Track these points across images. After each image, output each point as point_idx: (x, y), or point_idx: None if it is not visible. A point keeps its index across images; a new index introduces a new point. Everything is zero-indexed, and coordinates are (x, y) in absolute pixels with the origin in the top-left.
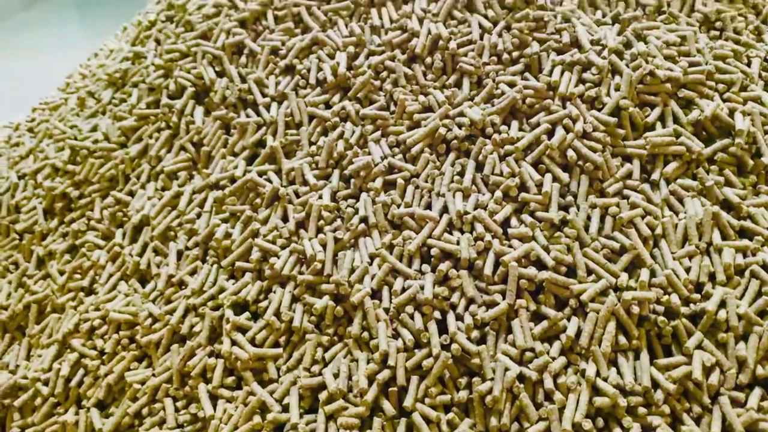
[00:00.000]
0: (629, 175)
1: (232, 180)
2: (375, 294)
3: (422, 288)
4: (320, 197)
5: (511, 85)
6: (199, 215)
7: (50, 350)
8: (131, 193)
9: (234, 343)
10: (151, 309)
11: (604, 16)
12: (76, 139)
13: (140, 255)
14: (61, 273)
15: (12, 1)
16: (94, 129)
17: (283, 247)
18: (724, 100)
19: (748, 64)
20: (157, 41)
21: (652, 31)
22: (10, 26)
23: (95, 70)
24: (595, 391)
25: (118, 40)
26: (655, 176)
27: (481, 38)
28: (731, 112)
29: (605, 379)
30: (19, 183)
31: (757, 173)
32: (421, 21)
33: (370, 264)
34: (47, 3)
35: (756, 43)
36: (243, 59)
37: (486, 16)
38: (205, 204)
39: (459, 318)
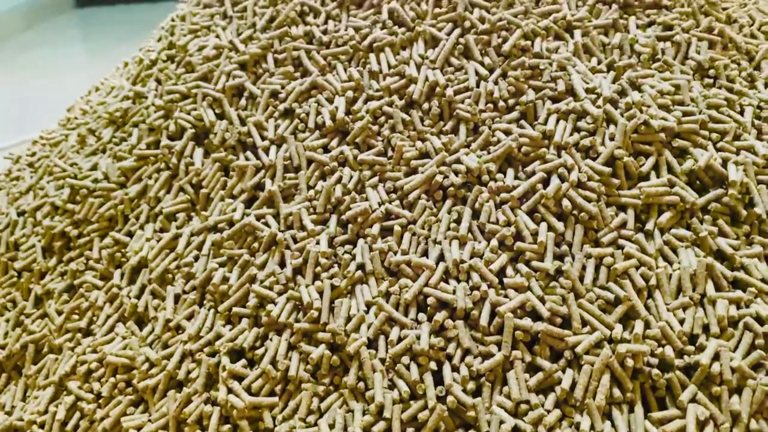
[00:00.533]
0: (624, 225)
1: (231, 223)
2: (371, 343)
3: (418, 338)
4: (317, 243)
5: (507, 132)
6: (196, 258)
7: (47, 392)
8: (130, 234)
9: (230, 391)
10: (148, 353)
11: (599, 63)
12: (76, 177)
13: (138, 297)
14: (59, 313)
15: (14, 21)
16: (94, 167)
17: (280, 294)
18: (718, 150)
19: (741, 113)
20: (158, 81)
21: (646, 80)
22: (12, 46)
23: (96, 107)
24: None
25: (120, 75)
26: (649, 226)
27: (478, 85)
28: (725, 162)
29: None
30: (19, 220)
31: (750, 223)
32: (418, 67)
33: (367, 312)
34: (49, 23)
35: (749, 91)
36: (243, 101)
37: (482, 63)
38: (203, 247)
39: (455, 369)
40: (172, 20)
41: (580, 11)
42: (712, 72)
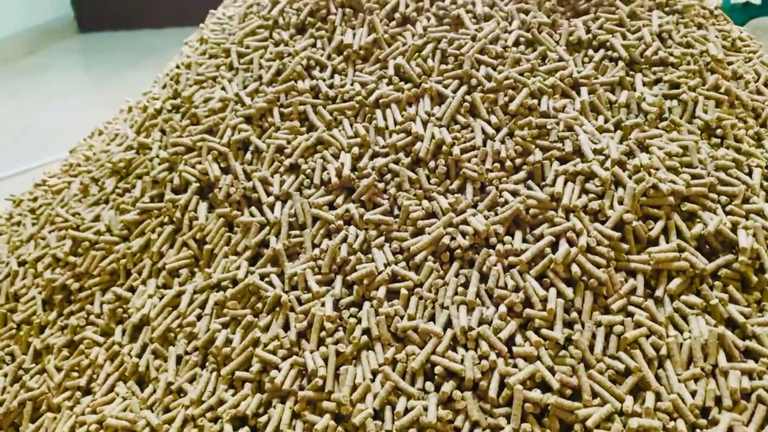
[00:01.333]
0: (633, 291)
1: (234, 281)
2: (377, 414)
3: (426, 410)
4: (323, 305)
5: (515, 193)
6: (199, 317)
7: None
8: (132, 289)
9: None
10: (149, 417)
11: (606, 121)
12: (78, 228)
13: (139, 356)
14: (58, 369)
15: (17, 46)
16: (97, 218)
17: (284, 359)
18: (727, 213)
19: (750, 174)
20: (163, 131)
21: (654, 140)
22: (14, 71)
23: (99, 155)
24: None
25: (123, 120)
26: (659, 293)
27: (484, 144)
28: (734, 227)
29: None
30: (19, 270)
31: (761, 289)
32: (425, 124)
33: (373, 381)
34: (52, 48)
35: (756, 151)
36: (248, 155)
37: (489, 122)
38: (206, 306)
39: None
40: (177, 67)
41: (586, 68)
42: (719, 131)
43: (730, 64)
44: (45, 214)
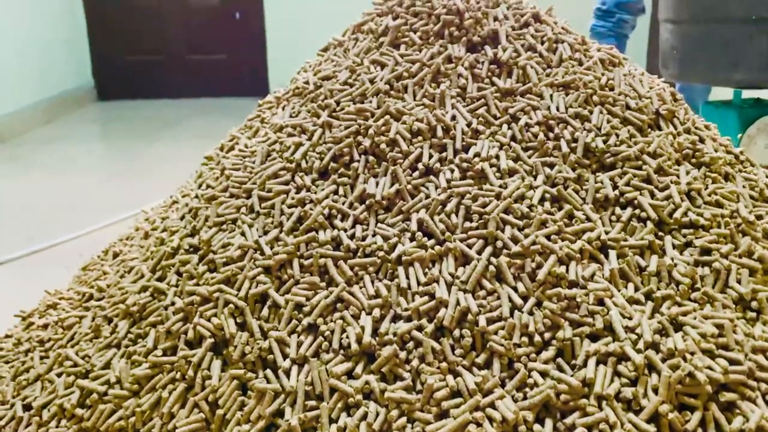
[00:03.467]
0: None
1: None
2: None
3: None
4: None
5: (544, 374)
6: None
7: None
8: None
9: None
10: None
11: (636, 289)
12: (87, 375)
13: None
14: None
15: (36, 116)
16: (108, 365)
17: None
18: None
19: None
20: (179, 274)
21: (687, 318)
22: (32, 141)
23: (113, 291)
24: None
25: (140, 247)
26: None
27: (511, 314)
28: None
29: None
30: (23, 416)
31: None
32: (449, 287)
33: None
34: (71, 116)
35: None
36: (265, 311)
37: (516, 289)
38: None
39: None
40: (197, 197)
41: (614, 229)
42: (754, 304)
43: (760, 218)
44: (55, 354)
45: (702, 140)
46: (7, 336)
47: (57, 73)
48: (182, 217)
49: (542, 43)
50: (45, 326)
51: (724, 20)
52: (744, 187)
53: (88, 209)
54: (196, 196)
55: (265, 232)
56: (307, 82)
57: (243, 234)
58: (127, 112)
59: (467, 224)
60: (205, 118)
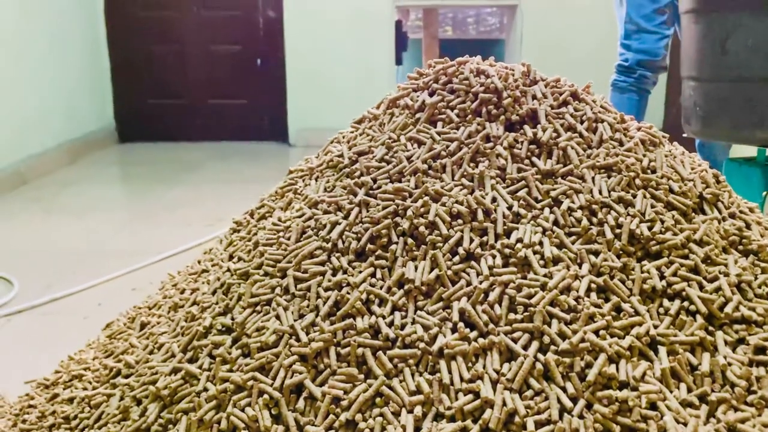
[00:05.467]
0: None
1: None
2: None
3: None
4: None
5: None
6: None
7: None
8: None
9: None
10: None
11: (689, 390)
12: None
13: None
14: None
15: (59, 157)
16: None
17: None
18: None
19: None
20: (211, 356)
21: (746, 425)
22: (54, 183)
23: (143, 369)
24: None
25: (167, 321)
26: None
27: (561, 417)
28: None
29: None
30: None
31: None
32: (494, 384)
33: None
34: (92, 158)
35: None
36: (301, 402)
37: (564, 389)
38: None
39: None
40: (228, 270)
41: (662, 323)
42: None
43: None
44: None
45: (748, 225)
46: (30, 406)
47: (80, 116)
48: (214, 292)
49: (582, 122)
50: (70, 400)
51: (747, 79)
52: None
53: (107, 256)
54: (228, 270)
55: (301, 316)
56: (341, 155)
57: (278, 317)
58: (147, 154)
59: (512, 316)
60: (224, 162)
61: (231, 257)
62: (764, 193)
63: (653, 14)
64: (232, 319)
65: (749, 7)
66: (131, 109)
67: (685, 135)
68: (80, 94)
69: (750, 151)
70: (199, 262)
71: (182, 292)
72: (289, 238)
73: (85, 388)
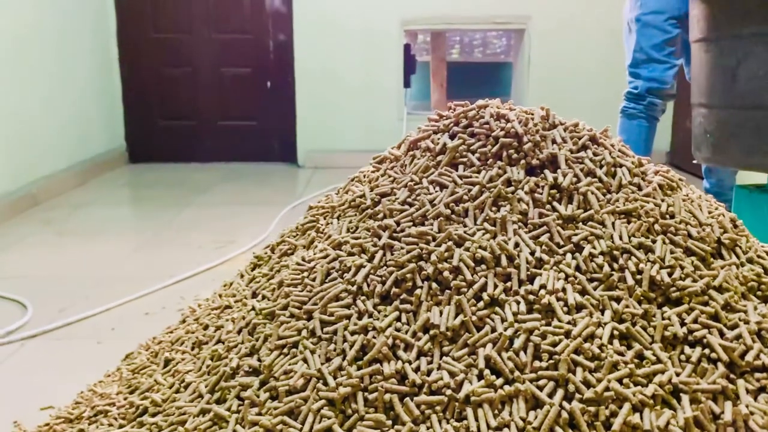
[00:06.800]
0: None
1: None
2: None
3: None
4: None
5: None
6: None
7: None
8: None
9: None
10: None
11: None
12: None
13: None
14: None
15: (69, 179)
16: None
17: None
18: None
19: None
20: (240, 398)
21: None
22: (64, 205)
23: (170, 409)
24: None
25: (193, 361)
26: None
27: None
28: None
29: None
30: None
31: None
32: None
33: None
34: (102, 179)
35: None
36: None
37: None
38: None
39: None
40: (253, 309)
41: (684, 371)
42: None
43: None
44: None
45: (766, 271)
46: None
47: (91, 137)
48: (239, 331)
49: (601, 167)
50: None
51: (758, 106)
52: None
53: (119, 279)
54: (253, 308)
55: (328, 360)
56: (363, 196)
57: (305, 360)
58: (156, 175)
59: (537, 363)
60: (234, 183)
61: (254, 294)
62: None
63: (663, 45)
64: (259, 360)
65: (760, 35)
66: (142, 130)
67: (695, 161)
68: (91, 115)
69: (759, 176)
70: (220, 296)
71: (205, 328)
72: (314, 280)
73: (110, 425)
